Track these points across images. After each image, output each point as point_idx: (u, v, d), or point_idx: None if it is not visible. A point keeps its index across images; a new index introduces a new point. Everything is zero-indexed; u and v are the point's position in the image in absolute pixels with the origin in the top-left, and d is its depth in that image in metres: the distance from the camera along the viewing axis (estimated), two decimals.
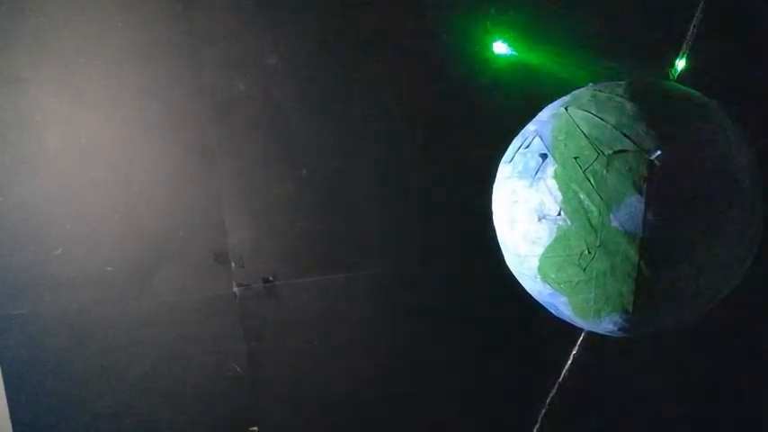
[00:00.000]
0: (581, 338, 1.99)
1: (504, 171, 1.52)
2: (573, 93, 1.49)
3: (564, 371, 2.04)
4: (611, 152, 1.27)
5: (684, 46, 1.74)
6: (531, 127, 1.50)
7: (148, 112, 2.09)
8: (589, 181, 1.27)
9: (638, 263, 1.25)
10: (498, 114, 1.98)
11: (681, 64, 1.77)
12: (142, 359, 2.20)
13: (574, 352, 2.01)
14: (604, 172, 1.26)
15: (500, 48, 2.02)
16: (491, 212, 1.59)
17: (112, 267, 2.15)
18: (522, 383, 2.19)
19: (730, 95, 1.53)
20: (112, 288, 2.16)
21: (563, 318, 1.52)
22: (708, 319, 1.47)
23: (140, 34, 2.05)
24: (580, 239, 1.29)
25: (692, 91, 1.43)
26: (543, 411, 2.12)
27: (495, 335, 2.18)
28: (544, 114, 1.49)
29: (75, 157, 2.09)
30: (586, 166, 1.28)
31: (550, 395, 2.09)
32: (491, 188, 1.58)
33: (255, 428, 2.24)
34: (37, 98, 2.06)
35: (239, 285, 2.19)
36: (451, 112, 2.09)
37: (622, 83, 1.42)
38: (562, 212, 1.31)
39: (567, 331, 1.78)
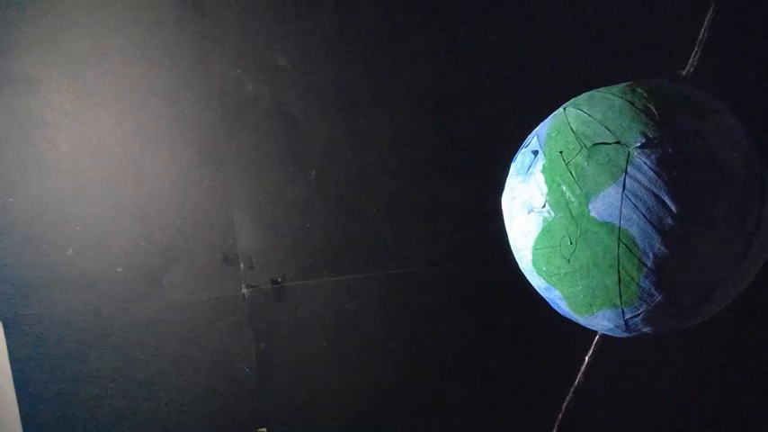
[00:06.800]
0: (595, 341, 1.96)
1: (510, 170, 1.56)
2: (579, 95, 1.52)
3: (579, 375, 2.02)
4: (591, 144, 1.28)
5: (696, 46, 1.72)
6: (536, 129, 1.55)
7: (158, 113, 2.13)
8: (571, 173, 1.29)
9: (617, 253, 1.23)
10: (510, 116, 2.01)
11: (691, 64, 1.76)
12: (151, 360, 2.24)
13: (588, 356, 1.98)
14: (585, 164, 1.28)
15: None
16: (502, 213, 1.61)
17: (122, 268, 2.19)
18: (536, 388, 2.16)
19: (743, 96, 1.51)
20: (122, 289, 2.20)
21: (564, 314, 1.53)
22: (716, 321, 1.44)
23: (150, 36, 2.10)
24: (562, 230, 1.31)
25: (692, 89, 1.42)
26: (560, 416, 2.10)
27: (507, 338, 2.16)
28: (549, 117, 1.53)
29: (86, 158, 2.14)
30: (569, 159, 1.31)
31: (566, 400, 2.07)
32: (501, 189, 1.60)
33: (264, 429, 2.25)
34: (48, 99, 2.12)
35: (248, 286, 2.21)
36: (462, 114, 2.07)
37: (622, 84, 1.44)
38: (546, 204, 1.34)
39: (581, 334, 1.76)
